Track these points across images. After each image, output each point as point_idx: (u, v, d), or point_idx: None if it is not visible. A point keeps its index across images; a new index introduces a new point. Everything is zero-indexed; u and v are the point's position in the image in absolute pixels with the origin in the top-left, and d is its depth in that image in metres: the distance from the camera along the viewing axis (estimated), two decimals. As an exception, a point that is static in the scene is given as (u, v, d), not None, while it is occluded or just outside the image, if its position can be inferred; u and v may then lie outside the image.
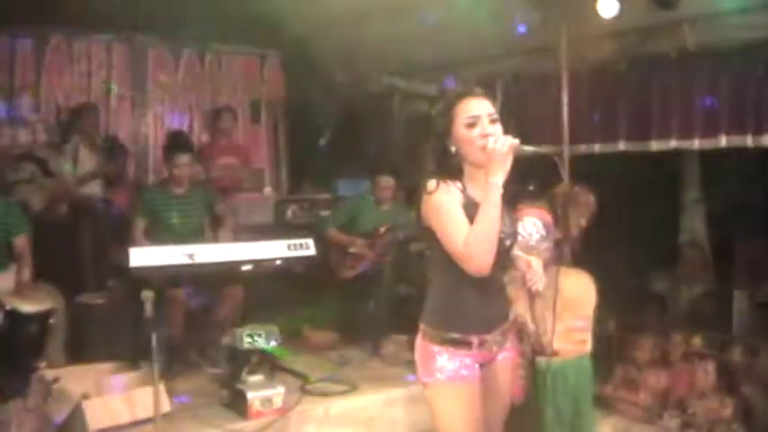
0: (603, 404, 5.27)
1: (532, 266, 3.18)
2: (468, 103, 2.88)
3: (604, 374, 5.37)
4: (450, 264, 2.80)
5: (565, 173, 5.78)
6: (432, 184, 2.85)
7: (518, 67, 6.41)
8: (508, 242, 2.95)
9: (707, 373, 5.30)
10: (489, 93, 2.97)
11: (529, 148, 2.83)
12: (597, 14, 5.18)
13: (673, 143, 5.53)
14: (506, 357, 3.07)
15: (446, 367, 2.89)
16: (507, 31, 5.88)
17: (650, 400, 5.45)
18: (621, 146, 5.84)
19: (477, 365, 2.94)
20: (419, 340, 3.00)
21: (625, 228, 6.24)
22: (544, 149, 2.91)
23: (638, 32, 5.43)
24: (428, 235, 2.88)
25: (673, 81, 5.51)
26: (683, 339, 5.61)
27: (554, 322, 3.55)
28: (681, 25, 5.15)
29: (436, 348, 2.90)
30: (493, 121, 2.85)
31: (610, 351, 5.63)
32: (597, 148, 6.01)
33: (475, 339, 2.90)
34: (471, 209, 2.79)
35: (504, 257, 2.95)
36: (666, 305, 6.75)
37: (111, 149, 6.91)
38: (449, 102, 2.93)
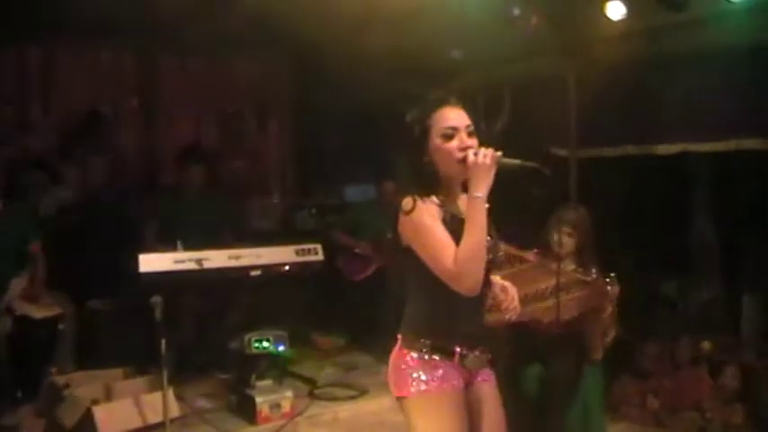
0: (612, 409, 5.25)
1: (508, 293, 2.93)
2: (445, 113, 2.72)
3: (613, 379, 5.35)
4: (433, 283, 2.61)
5: (572, 180, 5.88)
6: (408, 201, 2.63)
7: (525, 70, 6.40)
8: (489, 256, 2.72)
9: (717, 377, 5.28)
10: (469, 102, 2.79)
11: (512, 162, 2.66)
12: (605, 17, 5.18)
13: (682, 146, 5.50)
14: (489, 386, 2.84)
15: (425, 378, 2.66)
16: (515, 34, 5.87)
17: (659, 405, 5.43)
18: (630, 149, 5.82)
19: (460, 380, 2.72)
20: (394, 352, 2.78)
21: (633, 231, 6.22)
22: (529, 164, 2.67)
23: (647, 34, 5.41)
24: (407, 255, 2.67)
25: (682, 83, 5.49)
26: (692, 343, 5.59)
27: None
28: (689, 26, 5.13)
29: (415, 355, 2.68)
30: (470, 134, 2.70)
31: (618, 355, 5.61)
32: (605, 151, 5.99)
33: (457, 349, 2.70)
34: (452, 223, 2.63)
35: (488, 273, 2.75)
36: (675, 309, 6.72)
37: (92, 120, 6.91)
38: (425, 109, 2.74)
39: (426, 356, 2.68)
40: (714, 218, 6.59)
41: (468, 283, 2.56)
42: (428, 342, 2.69)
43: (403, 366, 2.71)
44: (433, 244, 2.60)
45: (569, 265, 4.47)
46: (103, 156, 6.91)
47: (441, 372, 2.67)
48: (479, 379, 2.81)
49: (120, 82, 7.29)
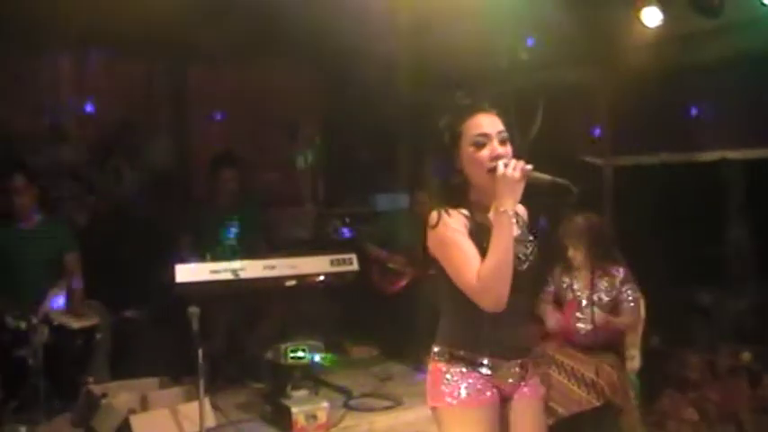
0: (650, 420, 5.19)
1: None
2: (477, 120, 2.65)
3: (651, 390, 5.29)
4: (461, 296, 2.57)
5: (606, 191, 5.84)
6: (433, 216, 2.60)
7: (557, 78, 6.37)
8: (525, 266, 2.69)
9: (756, 387, 5.21)
10: (502, 109, 2.72)
11: (543, 177, 2.56)
12: (639, 23, 5.15)
13: (720, 154, 5.45)
14: (528, 397, 2.76)
15: (456, 390, 2.63)
16: (545, 41, 5.86)
17: (698, 416, 5.36)
18: (665, 157, 5.78)
19: (494, 392, 2.67)
20: (429, 363, 2.75)
21: (669, 240, 6.16)
22: (560, 180, 2.56)
23: (681, 40, 5.37)
24: (436, 266, 2.66)
25: (717, 89, 5.45)
26: (730, 354, 5.52)
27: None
28: (725, 32, 5.09)
29: (444, 368, 2.66)
30: (503, 141, 2.63)
31: (656, 366, 5.55)
32: (640, 159, 5.95)
33: (487, 361, 2.65)
34: (480, 235, 2.58)
35: (521, 282, 2.63)
36: (711, 319, 6.65)
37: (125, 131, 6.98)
38: (456, 116, 2.69)
39: (457, 369, 2.66)
40: (750, 226, 6.52)
41: (490, 300, 2.51)
42: (459, 354, 2.67)
43: (436, 378, 2.69)
44: (457, 259, 2.57)
45: (585, 276, 4.49)
46: (136, 166, 6.94)
47: (472, 384, 2.64)
48: (518, 395, 2.75)
49: (151, 93, 7.34)
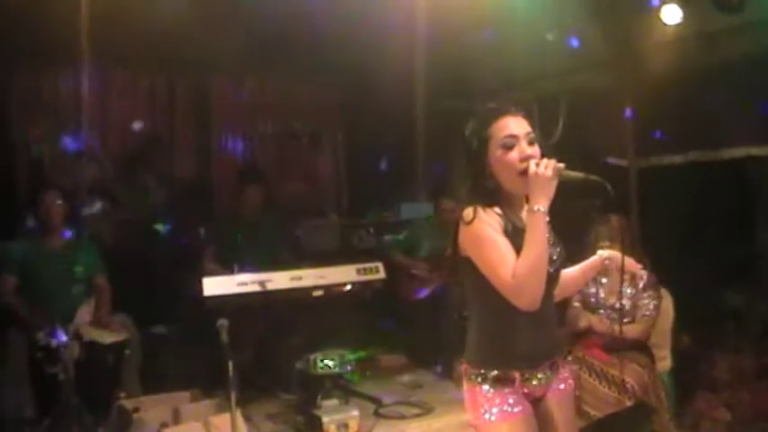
0: (683, 421, 5.15)
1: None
2: (504, 123, 2.65)
3: (684, 391, 5.25)
4: (492, 297, 2.58)
5: (632, 192, 5.80)
6: (469, 212, 2.60)
7: (580, 82, 6.35)
8: (553, 268, 2.69)
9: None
10: (526, 111, 2.73)
11: (575, 175, 2.59)
12: (659, 22, 5.13)
13: (745, 151, 5.40)
14: (561, 391, 2.82)
15: (492, 407, 2.66)
16: (567, 46, 5.84)
17: (731, 418, 5.31)
18: (691, 156, 5.73)
19: (527, 404, 2.70)
20: (463, 380, 2.80)
21: (696, 241, 6.12)
22: (593, 177, 2.59)
23: (703, 38, 5.34)
24: (468, 267, 2.66)
25: (740, 87, 5.40)
26: (760, 354, 5.47)
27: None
28: (746, 29, 5.05)
29: (478, 388, 2.69)
30: (531, 142, 2.64)
31: (687, 367, 5.51)
32: (664, 160, 5.91)
33: (517, 375, 2.68)
34: (515, 235, 2.59)
35: (549, 284, 2.66)
36: (741, 320, 6.59)
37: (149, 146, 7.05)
38: (483, 120, 2.69)
39: (489, 386, 2.68)
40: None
41: (526, 299, 2.52)
42: (490, 373, 2.68)
43: (472, 396, 2.73)
44: (493, 256, 2.56)
45: (614, 280, 4.44)
46: (161, 180, 7.00)
47: (505, 400, 2.66)
48: (550, 394, 2.78)
49: (175, 107, 7.40)
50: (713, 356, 5.59)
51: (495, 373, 2.67)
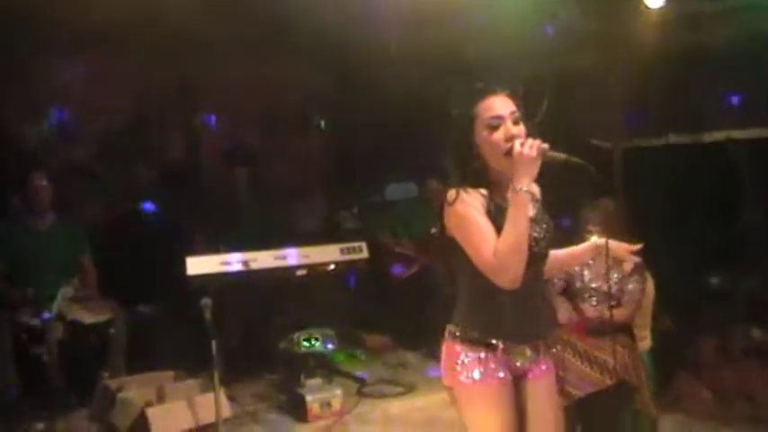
0: (664, 400, 5.20)
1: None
2: (489, 102, 2.65)
3: (664, 370, 5.30)
4: (478, 275, 2.58)
5: (616, 174, 5.83)
6: (452, 193, 2.61)
7: (564, 63, 6.36)
8: (539, 246, 2.69)
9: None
10: (511, 90, 2.70)
11: (559, 155, 2.58)
12: (643, 5, 5.15)
13: (726, 134, 5.44)
14: (543, 380, 2.79)
15: (469, 369, 2.66)
16: (552, 28, 5.85)
17: (712, 396, 5.37)
18: (673, 139, 5.77)
19: (507, 373, 2.69)
20: (444, 342, 2.78)
21: (679, 223, 6.16)
22: (575, 159, 2.58)
23: (686, 22, 5.36)
24: (454, 247, 2.66)
25: (723, 71, 5.43)
26: (743, 334, 5.53)
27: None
28: (728, 14, 5.08)
29: (459, 348, 2.69)
30: (516, 122, 2.62)
31: (670, 348, 5.56)
32: (649, 142, 5.94)
33: (500, 344, 2.67)
34: (498, 215, 2.58)
35: (536, 263, 2.67)
36: (724, 299, 6.64)
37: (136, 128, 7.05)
38: (469, 100, 2.68)
39: (471, 349, 2.68)
40: (760, 206, 6.51)
41: (507, 277, 2.52)
42: (473, 335, 2.69)
43: (451, 357, 2.72)
44: (475, 235, 2.57)
45: (599, 264, 4.46)
46: (148, 162, 6.99)
47: (485, 364, 2.66)
48: (531, 375, 2.77)
49: (160, 89, 7.37)
50: (695, 336, 5.64)
51: (477, 335, 2.68)
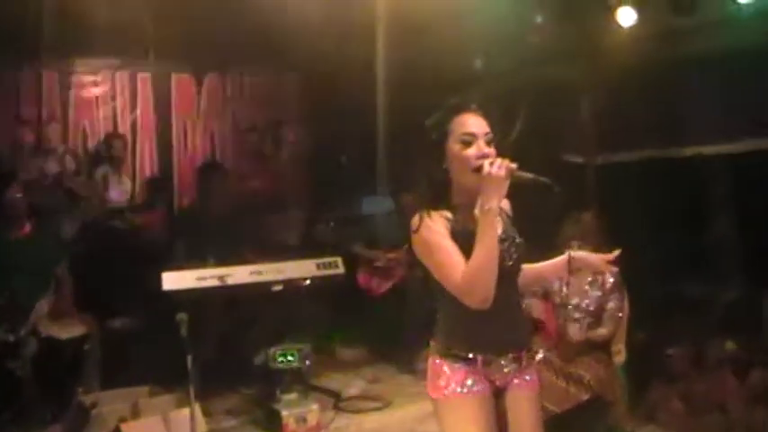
0: (638, 413, 5.23)
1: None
2: (465, 119, 2.68)
3: (639, 383, 5.33)
4: (451, 294, 2.61)
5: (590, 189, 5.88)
6: (415, 220, 2.64)
7: (538, 78, 6.41)
8: (511, 262, 2.72)
9: (743, 378, 5.24)
10: (485, 112, 2.73)
11: (526, 176, 2.60)
12: (617, 22, 5.22)
13: (695, 150, 5.51)
14: (524, 392, 2.81)
15: (451, 382, 2.69)
16: (528, 42, 5.90)
17: (686, 408, 5.40)
18: (645, 153, 5.82)
19: (487, 386, 2.72)
20: (428, 356, 2.82)
21: (654, 235, 6.21)
22: (542, 179, 2.61)
23: (658, 38, 5.43)
24: (424, 268, 2.70)
25: (694, 86, 5.51)
26: (717, 346, 5.56)
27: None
28: (699, 30, 5.15)
29: (440, 361, 2.73)
30: (488, 143, 2.65)
31: (644, 360, 5.59)
32: (621, 156, 6.00)
33: (479, 357, 2.70)
34: (464, 236, 2.60)
35: (509, 278, 2.70)
36: (698, 311, 6.68)
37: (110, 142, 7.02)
38: (444, 114, 2.71)
39: (452, 363, 2.71)
40: (735, 219, 6.57)
41: (478, 297, 2.54)
42: (452, 349, 2.72)
43: (433, 371, 2.76)
44: (441, 261, 2.60)
45: (587, 277, 4.50)
46: (122, 176, 6.98)
47: (465, 378, 2.69)
48: (512, 387, 2.79)
49: (135, 102, 7.38)
50: (671, 349, 5.67)
51: (457, 349, 2.71)
